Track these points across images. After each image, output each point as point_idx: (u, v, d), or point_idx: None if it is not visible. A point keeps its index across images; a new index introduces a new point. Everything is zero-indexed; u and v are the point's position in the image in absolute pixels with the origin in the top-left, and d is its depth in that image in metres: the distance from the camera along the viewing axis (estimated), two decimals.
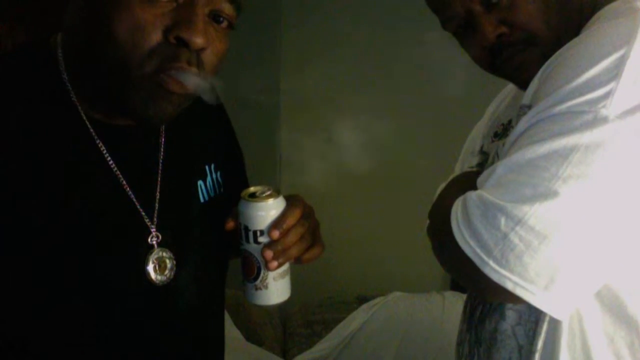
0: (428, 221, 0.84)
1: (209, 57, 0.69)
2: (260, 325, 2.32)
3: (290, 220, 0.75)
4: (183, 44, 0.66)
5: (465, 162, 0.99)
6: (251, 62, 2.61)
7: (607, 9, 0.75)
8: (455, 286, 2.35)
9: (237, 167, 0.99)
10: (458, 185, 0.79)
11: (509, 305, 0.78)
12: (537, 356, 0.74)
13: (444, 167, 1.02)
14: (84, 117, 0.72)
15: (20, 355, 0.68)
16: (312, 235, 0.80)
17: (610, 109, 0.62)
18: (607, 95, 0.62)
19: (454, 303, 2.18)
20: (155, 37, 0.65)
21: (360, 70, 2.58)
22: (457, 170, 0.99)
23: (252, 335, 2.23)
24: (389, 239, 2.58)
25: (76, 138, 0.71)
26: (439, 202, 0.81)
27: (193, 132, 0.86)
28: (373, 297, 2.33)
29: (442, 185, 0.86)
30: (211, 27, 0.69)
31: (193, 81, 0.68)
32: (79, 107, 0.71)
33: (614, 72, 0.63)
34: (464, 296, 0.96)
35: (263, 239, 0.74)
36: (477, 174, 0.74)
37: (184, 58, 0.66)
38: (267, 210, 0.74)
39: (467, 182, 0.76)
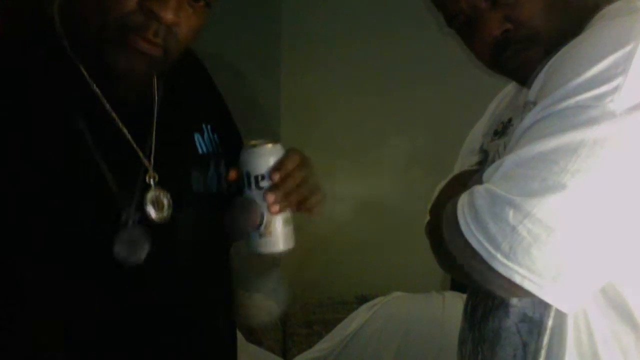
0: (427, 219, 0.84)
1: (181, 31, 0.74)
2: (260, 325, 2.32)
3: (290, 164, 0.78)
4: (153, 16, 0.71)
5: (465, 161, 1.00)
6: (251, 62, 2.61)
7: (610, 8, 0.76)
8: (455, 286, 2.34)
9: (234, 140, 1.00)
10: (459, 183, 0.79)
11: (513, 302, 0.78)
12: (543, 352, 0.74)
13: (445, 167, 1.02)
14: (82, 68, 0.76)
15: (17, 300, 0.71)
16: (312, 183, 0.82)
17: (617, 104, 0.62)
18: (614, 91, 0.62)
19: (454, 303, 2.17)
20: (130, 4, 0.71)
21: (360, 70, 2.58)
22: (457, 169, 0.99)
23: (252, 335, 2.22)
24: (389, 239, 2.58)
25: (73, 84, 0.76)
26: (439, 199, 0.81)
27: (186, 99, 0.90)
28: (373, 297, 2.32)
29: (442, 184, 0.86)
30: (187, 4, 0.73)
31: (159, 48, 0.73)
32: (76, 62, 0.77)
33: (621, 68, 0.63)
34: (464, 296, 0.96)
35: (265, 184, 0.78)
36: (477, 171, 0.74)
37: (151, 30, 0.71)
38: (268, 155, 0.78)
39: (468, 179, 0.76)
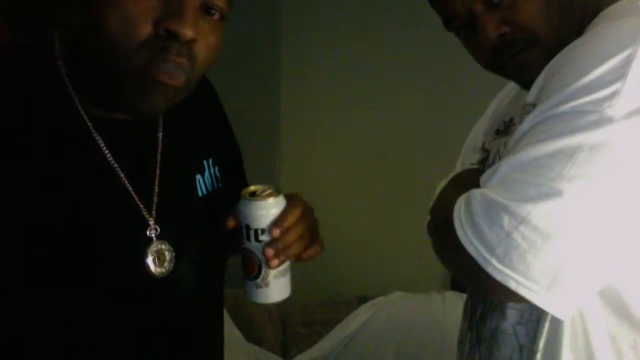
0: (428, 217, 0.84)
1: (201, 49, 0.70)
2: (260, 325, 2.32)
3: (291, 219, 0.76)
4: (172, 36, 0.66)
5: (466, 160, 0.99)
6: (251, 63, 2.61)
7: (612, 8, 0.75)
8: (455, 286, 2.35)
9: (235, 162, 1.00)
10: (459, 183, 0.79)
11: (510, 304, 0.78)
12: (538, 356, 0.74)
13: (445, 166, 1.02)
14: (82, 112, 0.72)
15: (20, 350, 0.69)
16: (312, 233, 0.81)
17: (615, 109, 0.62)
18: (612, 95, 0.62)
19: (454, 303, 2.18)
20: (145, 29, 0.66)
21: (360, 70, 2.58)
22: (458, 167, 0.99)
23: (252, 335, 2.22)
24: (389, 239, 2.59)
25: (74, 132, 0.72)
26: (440, 199, 0.81)
27: (191, 126, 0.86)
28: (373, 297, 2.33)
29: (443, 183, 0.86)
30: (202, 20, 0.69)
31: (183, 73, 0.69)
32: (77, 102, 0.72)
33: (620, 72, 0.62)
34: (464, 296, 0.96)
35: (264, 238, 0.75)
36: (478, 171, 0.74)
37: (173, 50, 0.67)
38: (268, 208, 0.76)
39: (468, 179, 0.76)
